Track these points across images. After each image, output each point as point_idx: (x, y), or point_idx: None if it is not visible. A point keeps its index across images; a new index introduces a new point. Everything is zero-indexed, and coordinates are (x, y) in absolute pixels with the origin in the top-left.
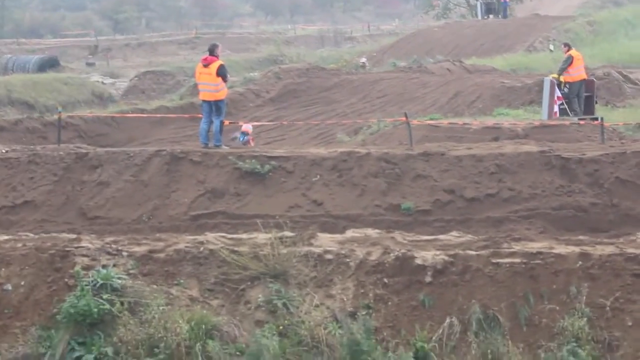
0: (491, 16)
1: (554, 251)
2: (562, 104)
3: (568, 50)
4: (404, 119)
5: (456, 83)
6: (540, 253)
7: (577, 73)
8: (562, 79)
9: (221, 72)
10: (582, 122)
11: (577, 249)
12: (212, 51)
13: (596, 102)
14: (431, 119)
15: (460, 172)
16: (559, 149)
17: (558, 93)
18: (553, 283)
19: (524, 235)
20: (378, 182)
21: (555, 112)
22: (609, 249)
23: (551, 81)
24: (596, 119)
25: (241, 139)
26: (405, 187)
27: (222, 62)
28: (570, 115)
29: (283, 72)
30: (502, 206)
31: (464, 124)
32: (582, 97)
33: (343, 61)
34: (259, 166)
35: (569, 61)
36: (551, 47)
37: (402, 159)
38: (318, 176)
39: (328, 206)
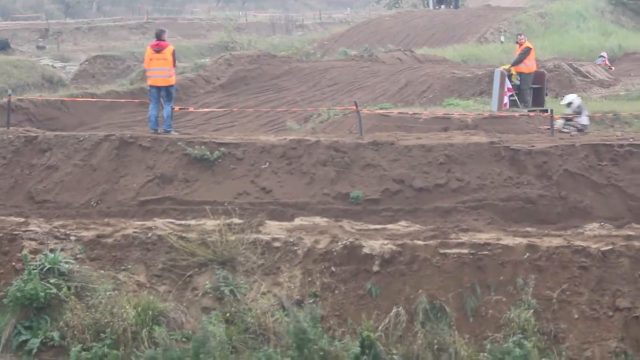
0: (443, 6)
1: (501, 242)
2: (512, 95)
3: (524, 42)
4: (354, 107)
5: (407, 73)
6: (487, 244)
7: (530, 65)
8: (513, 70)
9: (174, 57)
10: (532, 114)
11: (524, 241)
12: (160, 36)
13: (546, 95)
14: (381, 108)
15: (409, 161)
16: (508, 140)
17: (508, 84)
18: (500, 274)
19: (472, 226)
20: (327, 170)
21: (505, 104)
22: (557, 241)
23: (501, 72)
24: (546, 111)
25: None
26: (355, 176)
27: (173, 47)
28: (521, 106)
29: (234, 59)
30: (450, 196)
31: (414, 113)
32: (530, 89)
33: (294, 49)
34: (208, 152)
35: (527, 53)
36: (502, 38)
37: (351, 148)
38: (267, 163)
39: (277, 194)
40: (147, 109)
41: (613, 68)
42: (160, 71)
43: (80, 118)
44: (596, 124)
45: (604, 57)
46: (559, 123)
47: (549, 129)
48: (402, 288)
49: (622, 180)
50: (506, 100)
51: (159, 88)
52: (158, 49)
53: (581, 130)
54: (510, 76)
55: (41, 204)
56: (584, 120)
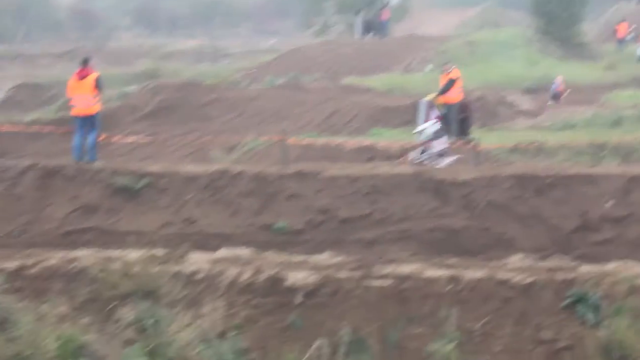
0: (370, 35)
1: (424, 274)
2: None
3: (450, 72)
4: (279, 137)
5: (333, 102)
6: (411, 276)
7: (454, 95)
8: (438, 100)
9: (99, 85)
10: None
11: (447, 272)
12: (86, 63)
13: (471, 124)
14: (307, 138)
15: (334, 192)
16: (433, 170)
17: (435, 114)
18: (423, 306)
19: (396, 257)
20: (252, 201)
21: None
22: (480, 273)
23: (427, 102)
24: (471, 141)
25: None
26: (279, 207)
27: (99, 74)
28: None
29: (160, 87)
30: (375, 227)
31: (340, 143)
32: (456, 119)
33: (221, 77)
34: (132, 182)
35: (453, 83)
36: (428, 67)
37: (276, 178)
38: (192, 194)
39: (201, 224)
40: (72, 138)
41: (568, 91)
42: (84, 99)
43: (5, 147)
44: (521, 154)
45: (557, 82)
46: (412, 155)
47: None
48: (326, 320)
49: (545, 212)
50: None
51: (82, 117)
52: (82, 77)
53: (442, 155)
54: (437, 106)
55: None
56: (440, 145)
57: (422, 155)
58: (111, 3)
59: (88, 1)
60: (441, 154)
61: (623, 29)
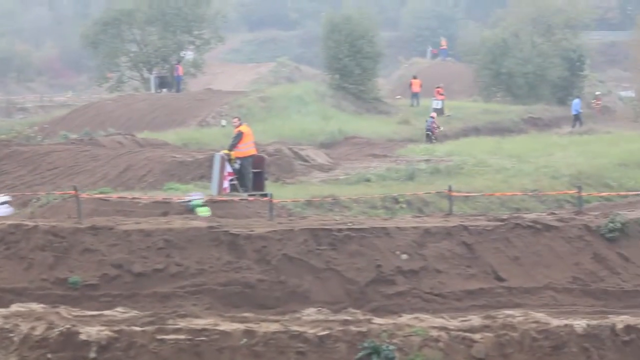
0: (165, 90)
1: (219, 328)
2: (232, 179)
3: (239, 126)
4: (73, 192)
5: (127, 157)
6: (205, 330)
7: (247, 149)
8: (232, 154)
9: None
10: (251, 198)
11: (242, 326)
12: None
13: (266, 179)
14: (101, 193)
15: (128, 246)
16: (228, 224)
17: (229, 169)
18: None
19: (190, 312)
20: (45, 255)
21: (225, 188)
22: (274, 326)
23: (221, 156)
24: (265, 195)
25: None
26: (73, 261)
27: None
28: (241, 191)
29: None
30: (169, 281)
31: (134, 198)
32: (250, 173)
33: (14, 132)
34: None
35: (240, 137)
36: (223, 122)
37: (70, 233)
38: None
39: None
40: None
41: (442, 128)
42: None
43: None
44: (316, 208)
45: (433, 117)
46: None
47: None
48: None
49: (340, 265)
50: (226, 184)
51: None
52: None
53: None
54: (230, 160)
55: None
56: None
57: None
58: None
59: None
60: None
61: (417, 84)
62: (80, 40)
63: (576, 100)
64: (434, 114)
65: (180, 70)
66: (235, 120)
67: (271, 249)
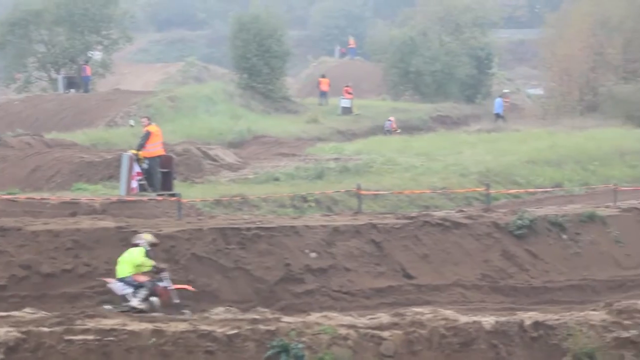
0: (73, 90)
1: (127, 328)
2: (141, 179)
3: (148, 125)
4: None
5: (36, 157)
6: (114, 330)
7: (155, 149)
8: (141, 154)
9: None
10: (160, 198)
11: (150, 326)
12: None
13: (175, 178)
14: (9, 194)
15: (36, 247)
16: (136, 224)
17: (137, 168)
18: None
19: (98, 312)
20: None
21: (134, 188)
22: (183, 326)
23: (129, 157)
24: (174, 195)
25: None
26: None
27: None
28: (149, 190)
29: None
30: (78, 282)
31: (42, 198)
32: (159, 173)
33: None
34: None
35: (147, 136)
36: (131, 122)
37: None
38: None
39: None
40: None
41: (399, 130)
42: None
43: None
44: (225, 207)
45: (391, 120)
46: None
47: None
48: None
49: (249, 264)
50: (135, 184)
51: None
52: None
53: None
54: (138, 160)
55: None
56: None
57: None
58: None
59: None
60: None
61: (325, 83)
62: None
63: (498, 100)
64: (392, 118)
65: (88, 70)
66: (144, 120)
67: (180, 249)
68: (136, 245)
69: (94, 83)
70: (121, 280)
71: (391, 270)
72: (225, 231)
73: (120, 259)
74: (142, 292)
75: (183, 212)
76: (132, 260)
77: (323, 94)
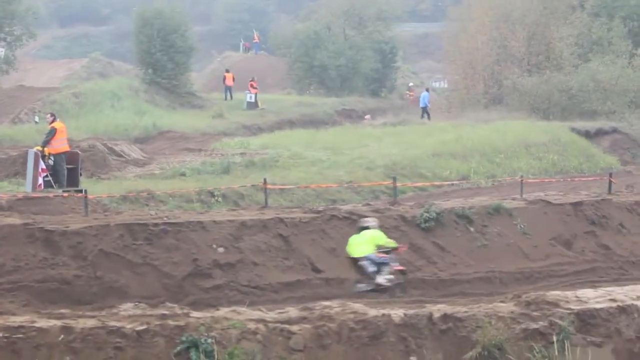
0: None
1: (35, 325)
2: (46, 176)
3: (53, 122)
4: None
5: None
6: (22, 327)
7: (60, 145)
8: (46, 151)
9: None
10: (66, 194)
11: (59, 323)
12: None
13: (81, 175)
14: None
15: None
16: (43, 221)
17: (42, 165)
18: (36, 357)
19: (6, 309)
20: None
21: (40, 184)
22: (91, 322)
23: (35, 153)
24: (80, 191)
25: None
26: None
27: None
28: (55, 187)
29: None
30: None
31: None
32: (65, 169)
33: None
34: None
35: (52, 133)
36: (36, 118)
37: None
38: None
39: None
40: None
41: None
42: None
43: None
44: (131, 203)
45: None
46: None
47: None
48: None
49: (157, 259)
50: (40, 180)
51: None
52: None
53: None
54: (44, 157)
55: None
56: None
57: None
58: None
59: None
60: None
61: (229, 78)
62: None
63: (424, 93)
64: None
65: None
66: (49, 116)
67: (87, 245)
68: (366, 228)
69: None
70: (365, 258)
71: (299, 264)
72: (132, 227)
73: (356, 242)
74: (386, 269)
75: (90, 208)
76: (373, 240)
77: (228, 89)
